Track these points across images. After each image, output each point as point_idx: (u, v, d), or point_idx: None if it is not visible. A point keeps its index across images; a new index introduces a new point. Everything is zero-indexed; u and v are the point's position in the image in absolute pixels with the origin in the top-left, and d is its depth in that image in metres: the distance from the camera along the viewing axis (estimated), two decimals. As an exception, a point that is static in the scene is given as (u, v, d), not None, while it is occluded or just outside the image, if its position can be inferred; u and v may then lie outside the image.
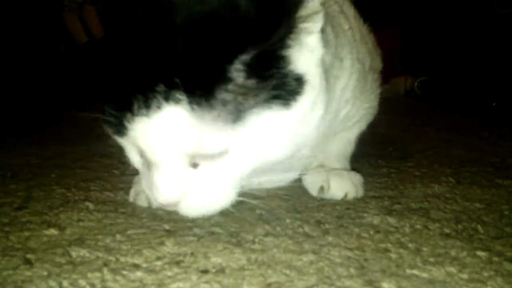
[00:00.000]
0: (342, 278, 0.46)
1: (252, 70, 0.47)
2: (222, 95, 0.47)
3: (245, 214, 0.63)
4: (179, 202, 0.53)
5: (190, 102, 0.46)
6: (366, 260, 0.50)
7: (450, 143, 1.13)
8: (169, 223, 0.59)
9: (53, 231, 0.56)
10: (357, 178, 0.72)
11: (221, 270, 0.47)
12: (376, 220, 0.61)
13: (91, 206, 0.65)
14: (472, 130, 1.31)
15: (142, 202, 0.65)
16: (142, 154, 0.54)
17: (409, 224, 0.60)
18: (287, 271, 0.47)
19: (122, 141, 0.55)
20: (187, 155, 0.50)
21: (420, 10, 2.02)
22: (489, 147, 1.09)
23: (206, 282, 0.45)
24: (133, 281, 0.45)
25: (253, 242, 0.54)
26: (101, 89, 0.52)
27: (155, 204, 0.65)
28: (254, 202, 0.58)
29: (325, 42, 0.54)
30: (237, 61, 0.47)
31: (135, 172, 0.76)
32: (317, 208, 0.65)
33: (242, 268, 0.47)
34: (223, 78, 0.47)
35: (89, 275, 0.46)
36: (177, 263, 0.48)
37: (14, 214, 0.62)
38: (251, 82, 0.48)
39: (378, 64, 0.81)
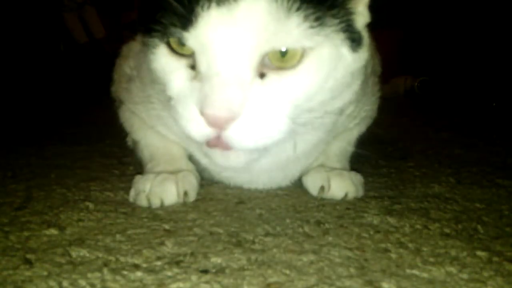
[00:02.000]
0: (342, 278, 0.46)
1: None
2: None
3: (245, 214, 0.63)
4: (231, 121, 0.48)
5: None
6: (366, 260, 0.50)
7: (450, 143, 1.13)
8: (169, 223, 0.59)
9: (53, 231, 0.56)
10: (357, 178, 0.72)
11: (221, 270, 0.47)
12: (376, 220, 0.61)
13: (91, 206, 0.65)
14: (472, 130, 1.31)
15: (142, 202, 0.65)
16: (196, 64, 0.50)
17: (409, 224, 0.60)
18: (287, 271, 0.47)
19: (168, 47, 0.51)
20: (258, 55, 0.48)
21: (420, 10, 2.02)
22: (489, 147, 1.09)
23: (206, 282, 0.45)
24: (133, 281, 0.45)
25: (253, 242, 0.54)
26: None
27: (155, 204, 0.65)
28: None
29: None
30: None
31: (135, 172, 0.76)
32: (317, 208, 0.65)
33: (242, 268, 0.47)
34: None
35: (89, 275, 0.46)
36: (177, 263, 0.48)
37: (14, 214, 0.62)
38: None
39: (378, 69, 0.82)
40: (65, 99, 1.96)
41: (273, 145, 0.53)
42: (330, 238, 0.55)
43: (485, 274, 0.47)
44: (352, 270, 0.47)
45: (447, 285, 0.45)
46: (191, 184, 0.68)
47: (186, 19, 0.47)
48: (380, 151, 0.99)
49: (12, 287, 0.44)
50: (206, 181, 0.75)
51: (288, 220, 0.60)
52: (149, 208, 0.64)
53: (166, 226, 0.58)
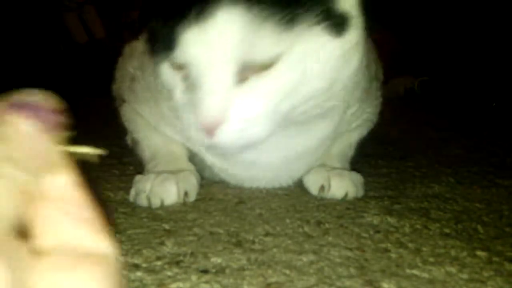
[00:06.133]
0: (342, 278, 0.46)
1: None
2: None
3: (245, 214, 0.63)
4: (219, 125, 0.52)
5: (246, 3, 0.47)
6: (366, 260, 0.50)
7: (450, 143, 1.13)
8: (169, 223, 0.59)
9: (53, 231, 0.56)
10: (357, 178, 0.72)
11: (221, 270, 0.47)
12: (376, 220, 0.61)
13: (91, 206, 0.65)
14: (472, 130, 1.31)
15: (142, 202, 0.65)
16: (186, 76, 0.53)
17: (409, 224, 0.60)
18: (287, 271, 0.47)
19: (169, 63, 0.54)
20: (236, 65, 0.50)
21: (420, 10, 2.02)
22: (489, 147, 1.09)
23: (206, 282, 0.45)
24: (133, 281, 0.45)
25: (253, 242, 0.54)
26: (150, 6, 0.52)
27: (155, 204, 0.65)
28: None
29: None
30: None
31: (135, 172, 0.76)
32: (317, 208, 0.65)
33: (242, 268, 0.47)
34: None
35: (89, 275, 0.46)
36: (177, 263, 0.48)
37: (14, 214, 0.62)
38: None
39: (381, 76, 0.83)
40: (65, 99, 1.96)
41: (260, 143, 0.55)
42: (330, 238, 0.55)
43: (485, 274, 0.47)
44: (352, 270, 0.47)
45: (447, 285, 0.45)
46: (191, 184, 0.68)
47: (172, 41, 0.51)
48: (380, 151, 0.99)
49: (12, 287, 0.44)
50: (206, 181, 0.75)
51: (288, 220, 0.60)
52: (149, 208, 0.64)
53: (166, 226, 0.58)
